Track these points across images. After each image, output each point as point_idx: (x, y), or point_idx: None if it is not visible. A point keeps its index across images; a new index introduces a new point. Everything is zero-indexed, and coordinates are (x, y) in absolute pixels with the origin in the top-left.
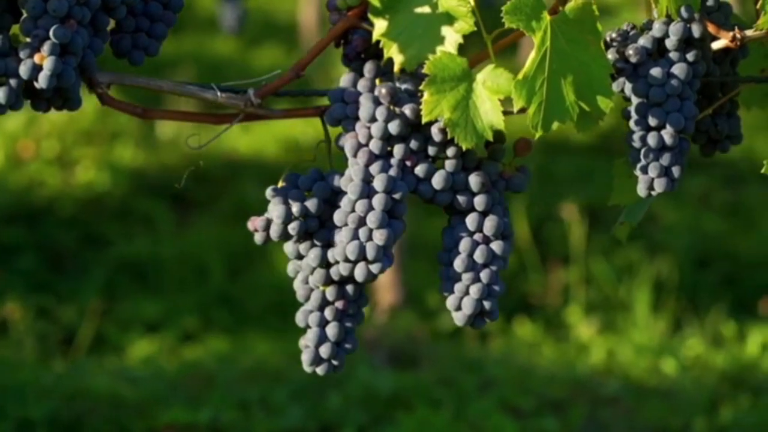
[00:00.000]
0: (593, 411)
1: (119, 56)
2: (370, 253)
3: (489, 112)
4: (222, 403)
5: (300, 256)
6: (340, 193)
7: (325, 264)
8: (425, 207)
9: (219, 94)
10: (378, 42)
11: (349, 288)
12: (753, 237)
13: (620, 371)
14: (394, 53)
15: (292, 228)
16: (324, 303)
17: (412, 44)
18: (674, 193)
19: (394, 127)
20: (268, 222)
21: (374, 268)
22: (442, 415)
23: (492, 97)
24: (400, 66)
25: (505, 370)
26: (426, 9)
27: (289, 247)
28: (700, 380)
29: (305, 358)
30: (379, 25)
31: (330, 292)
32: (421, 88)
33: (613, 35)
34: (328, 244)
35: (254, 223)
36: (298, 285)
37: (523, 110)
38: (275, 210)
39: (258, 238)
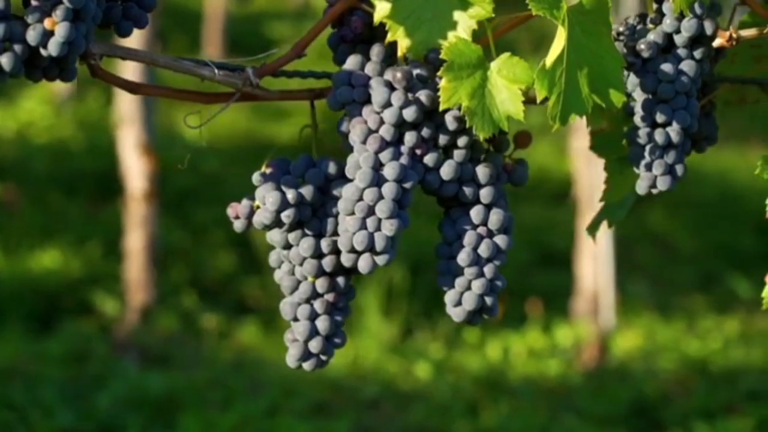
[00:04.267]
0: (357, 415)
1: (106, 26)
2: (379, 244)
3: (506, 102)
4: None
5: (288, 246)
6: (334, 180)
7: (318, 255)
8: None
9: (216, 71)
10: (377, 25)
11: (340, 280)
12: None
13: (372, 375)
14: (400, 37)
15: (286, 216)
16: (314, 295)
17: (420, 28)
18: None
19: (409, 114)
20: (252, 208)
21: (380, 259)
22: (228, 417)
23: (510, 86)
24: (405, 51)
25: (265, 373)
26: None
27: (276, 236)
28: (456, 384)
29: (293, 352)
30: (381, 7)
31: (320, 284)
32: (439, 74)
33: (621, 29)
34: (320, 233)
35: (236, 209)
36: (282, 276)
37: (545, 101)
38: (269, 197)
39: (238, 225)
